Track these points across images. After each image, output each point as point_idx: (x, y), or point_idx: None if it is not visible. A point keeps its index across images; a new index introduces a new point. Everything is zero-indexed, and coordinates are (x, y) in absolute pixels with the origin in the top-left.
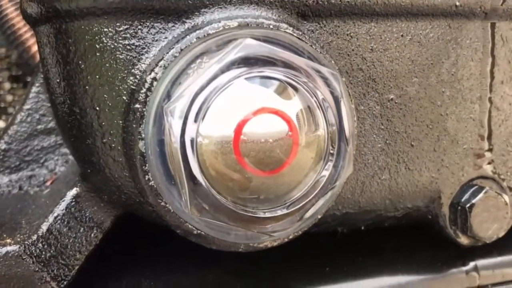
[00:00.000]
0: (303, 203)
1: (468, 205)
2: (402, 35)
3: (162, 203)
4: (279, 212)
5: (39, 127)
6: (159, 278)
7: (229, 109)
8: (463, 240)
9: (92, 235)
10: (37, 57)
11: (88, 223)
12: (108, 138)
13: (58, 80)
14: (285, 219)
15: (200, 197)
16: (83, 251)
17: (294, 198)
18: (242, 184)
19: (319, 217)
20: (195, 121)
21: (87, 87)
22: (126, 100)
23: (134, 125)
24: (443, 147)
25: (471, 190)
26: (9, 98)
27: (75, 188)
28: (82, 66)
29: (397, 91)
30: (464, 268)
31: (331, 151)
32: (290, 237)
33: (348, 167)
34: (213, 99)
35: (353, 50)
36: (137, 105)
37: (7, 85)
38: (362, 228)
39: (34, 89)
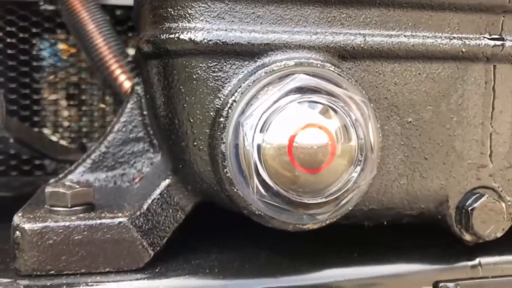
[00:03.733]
0: (337, 195)
1: (470, 208)
2: (419, 73)
3: (235, 190)
4: (319, 200)
5: (131, 135)
6: (224, 252)
7: (286, 124)
8: (467, 237)
9: (178, 215)
10: (128, 91)
11: (175, 206)
12: (198, 142)
13: (163, 99)
14: (324, 206)
15: (263, 186)
16: (171, 227)
17: (331, 192)
18: (293, 179)
19: (350, 208)
20: (261, 131)
21: (185, 105)
22: (213, 115)
23: (219, 133)
24: (451, 161)
25: (474, 196)
26: (65, 113)
27: (167, 180)
28: (182, 90)
29: (415, 116)
30: (469, 263)
31: (360, 158)
32: (327, 221)
33: (372, 171)
34: (275, 116)
35: (380, 83)
36: (221, 119)
37: (63, 102)
38: (385, 223)
39: (128, 105)
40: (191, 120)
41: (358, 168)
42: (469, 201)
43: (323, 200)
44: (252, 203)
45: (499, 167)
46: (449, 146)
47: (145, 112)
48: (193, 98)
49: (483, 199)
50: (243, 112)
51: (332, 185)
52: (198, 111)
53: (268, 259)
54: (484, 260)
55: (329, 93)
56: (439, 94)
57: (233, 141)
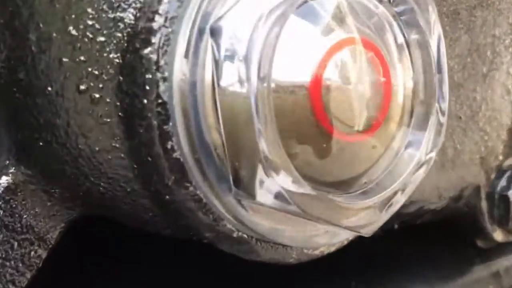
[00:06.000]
0: (390, 186)
1: (509, 192)
2: None
3: (191, 188)
4: (361, 201)
5: None
6: None
7: (307, 40)
8: (497, 235)
9: (32, 253)
10: None
11: (25, 234)
12: (89, 84)
13: None
14: (368, 209)
15: (269, 176)
16: (18, 283)
17: (376, 178)
18: (323, 154)
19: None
20: (248, 57)
21: None
22: (131, 20)
23: (151, 56)
24: (488, 121)
25: (506, 175)
26: None
27: (4, 177)
28: None
29: None
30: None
31: (424, 111)
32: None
33: (442, 136)
34: (285, 21)
35: None
36: (153, 24)
37: None
38: (395, 227)
39: None
40: (74, 33)
41: (432, 129)
42: (503, 183)
43: (370, 200)
44: (235, 214)
45: None
46: (484, 99)
47: None
48: None
49: None
50: (206, 10)
51: (375, 165)
52: (91, 11)
53: None
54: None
55: None
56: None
57: (190, 76)
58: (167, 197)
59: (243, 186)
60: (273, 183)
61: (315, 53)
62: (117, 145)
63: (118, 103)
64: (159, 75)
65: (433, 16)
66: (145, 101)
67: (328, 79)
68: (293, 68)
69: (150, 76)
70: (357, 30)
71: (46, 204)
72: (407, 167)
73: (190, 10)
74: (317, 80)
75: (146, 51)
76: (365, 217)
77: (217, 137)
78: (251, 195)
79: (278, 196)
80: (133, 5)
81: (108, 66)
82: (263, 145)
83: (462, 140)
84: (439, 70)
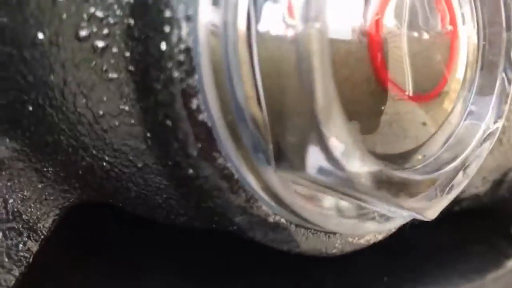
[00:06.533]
0: (452, 162)
1: None
2: None
3: (220, 160)
4: (422, 174)
5: None
6: None
7: None
8: None
9: (21, 246)
10: None
11: (11, 222)
12: (92, 30)
13: None
14: (429, 191)
15: (325, 144)
16: (4, 282)
17: (434, 153)
18: (377, 119)
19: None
20: None
21: None
22: None
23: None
24: None
25: None
26: None
27: None
28: None
29: None
30: None
31: (489, 73)
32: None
33: (507, 103)
34: None
35: None
36: None
37: None
38: None
39: None
40: None
41: (498, 95)
42: None
43: (434, 173)
44: (272, 195)
45: None
46: None
47: None
48: None
49: None
50: None
51: (436, 134)
52: None
53: None
54: None
55: None
56: None
57: (221, 15)
58: (190, 171)
59: (288, 156)
60: (328, 154)
61: None
62: (126, 108)
63: (127, 54)
64: (181, 12)
65: None
66: (164, 46)
67: (390, 25)
68: (347, 10)
69: (170, 14)
70: None
71: (37, 186)
72: (471, 140)
73: None
74: (377, 25)
75: None
76: (425, 198)
77: (253, 95)
78: (298, 168)
79: (331, 170)
80: None
81: (115, 6)
82: (319, 104)
83: (508, 115)
84: (508, 27)
